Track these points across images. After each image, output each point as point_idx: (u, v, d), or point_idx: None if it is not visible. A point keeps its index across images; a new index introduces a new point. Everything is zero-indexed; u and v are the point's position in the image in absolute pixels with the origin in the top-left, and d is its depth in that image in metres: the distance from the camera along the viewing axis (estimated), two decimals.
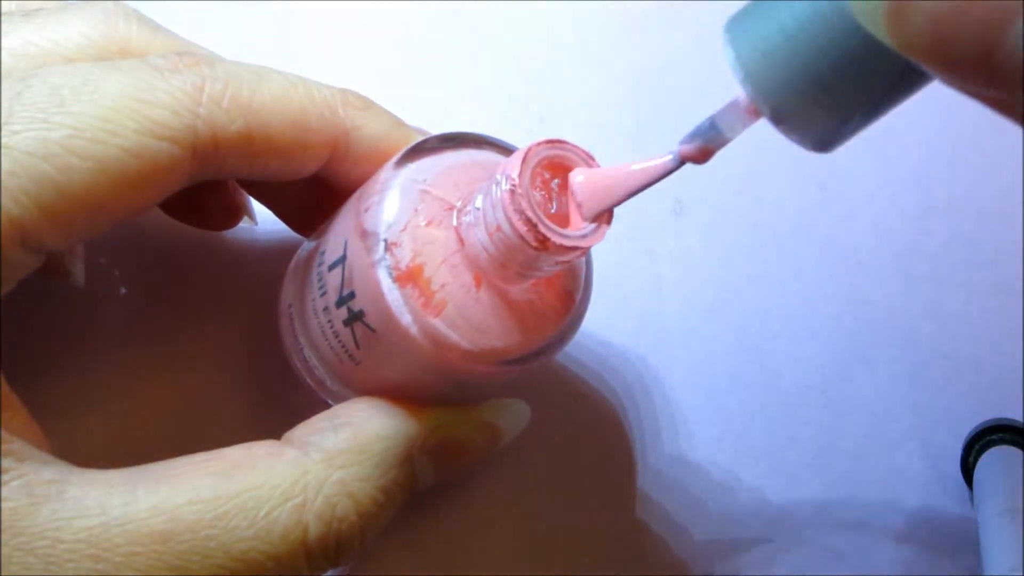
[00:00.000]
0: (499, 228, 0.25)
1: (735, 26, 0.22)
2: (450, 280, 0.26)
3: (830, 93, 0.21)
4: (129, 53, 0.28)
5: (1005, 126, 0.41)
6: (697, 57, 0.39)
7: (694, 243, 0.38)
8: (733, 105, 0.23)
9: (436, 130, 0.32)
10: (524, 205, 0.24)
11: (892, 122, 0.40)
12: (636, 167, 0.25)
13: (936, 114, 0.40)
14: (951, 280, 0.38)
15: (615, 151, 0.38)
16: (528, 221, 0.24)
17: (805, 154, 0.39)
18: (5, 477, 0.23)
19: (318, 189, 0.30)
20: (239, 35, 0.38)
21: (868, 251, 0.38)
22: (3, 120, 0.23)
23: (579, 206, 0.25)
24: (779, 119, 0.22)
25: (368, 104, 0.29)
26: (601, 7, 0.40)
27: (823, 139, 0.22)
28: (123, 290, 0.34)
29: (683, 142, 0.24)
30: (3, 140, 0.23)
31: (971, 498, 0.36)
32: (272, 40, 0.38)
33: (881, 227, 0.39)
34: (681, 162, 0.24)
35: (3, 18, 0.27)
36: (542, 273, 0.26)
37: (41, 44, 0.27)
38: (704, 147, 0.24)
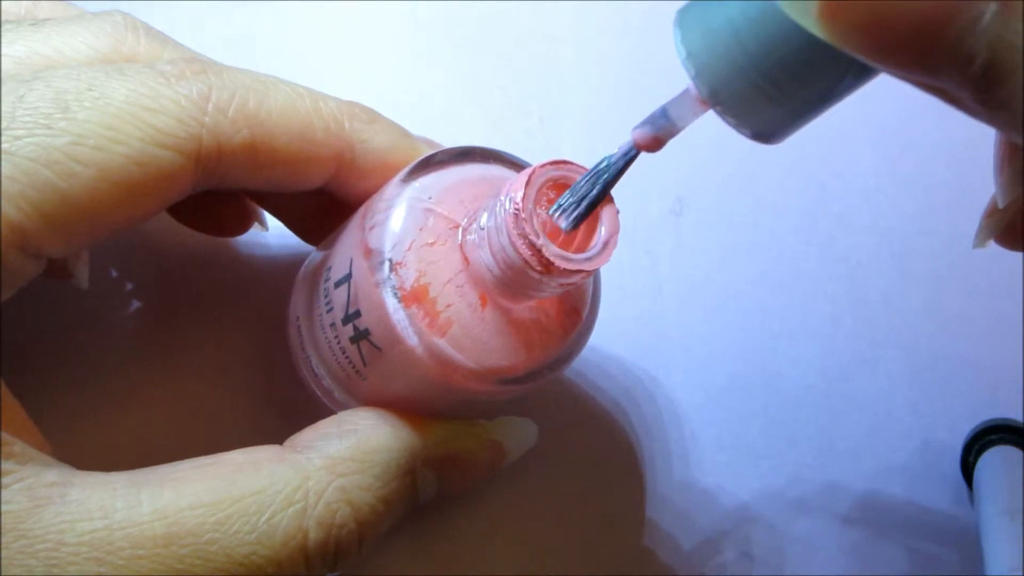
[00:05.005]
0: (503, 250, 0.24)
1: (685, 19, 0.22)
2: (455, 300, 0.26)
3: (779, 88, 0.21)
4: None
5: None
6: None
7: (694, 243, 0.38)
8: (684, 95, 0.23)
9: (438, 133, 0.32)
10: (528, 229, 0.24)
11: (892, 122, 0.40)
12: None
13: (936, 114, 0.39)
14: (951, 280, 0.38)
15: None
16: (532, 245, 0.24)
17: (805, 155, 0.39)
18: (6, 480, 0.23)
19: (325, 200, 0.30)
20: (238, 37, 0.38)
21: (868, 251, 0.39)
22: (5, 125, 0.23)
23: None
24: (728, 113, 0.22)
25: (374, 117, 0.29)
26: (601, 7, 0.40)
27: (770, 131, 0.23)
28: (129, 288, 0.34)
29: (636, 128, 0.24)
30: (4, 145, 0.23)
31: (971, 498, 0.36)
32: (271, 40, 0.38)
33: (881, 227, 0.39)
34: (635, 150, 0.24)
35: (10, 26, 0.27)
36: (547, 294, 0.26)
37: (46, 54, 0.27)
38: (656, 135, 0.24)
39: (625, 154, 0.25)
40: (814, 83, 0.21)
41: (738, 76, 0.21)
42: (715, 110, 0.22)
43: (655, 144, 0.24)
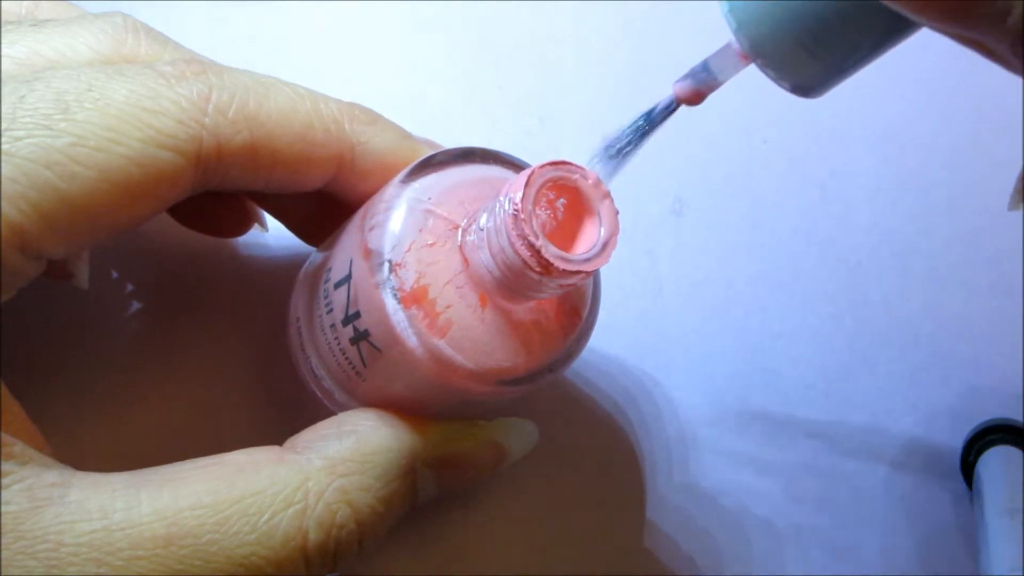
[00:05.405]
0: (502, 251, 0.24)
1: None
2: (455, 301, 0.26)
3: (819, 42, 0.22)
4: None
5: (1005, 126, 0.41)
6: (697, 57, 0.39)
7: (694, 243, 0.38)
8: (725, 50, 0.24)
9: (438, 133, 0.32)
10: (527, 230, 0.24)
11: (892, 122, 0.40)
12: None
13: (936, 114, 0.40)
14: (951, 280, 0.38)
15: None
16: (531, 246, 0.24)
17: (805, 154, 0.39)
18: (6, 480, 0.23)
19: (325, 201, 0.30)
20: (238, 37, 0.38)
21: (868, 251, 0.38)
22: (5, 126, 0.23)
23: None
24: (769, 66, 0.23)
25: (375, 118, 0.29)
26: (601, 7, 0.40)
27: (810, 85, 0.23)
28: (129, 289, 0.34)
29: (677, 82, 0.25)
30: (5, 146, 0.23)
31: (971, 498, 0.36)
32: (271, 40, 0.38)
33: (881, 227, 0.39)
34: (676, 102, 0.25)
35: (11, 26, 0.27)
36: (547, 295, 0.26)
37: (47, 55, 0.27)
38: (697, 89, 0.25)
39: (666, 108, 0.25)
40: (855, 38, 0.22)
41: (779, 30, 0.22)
42: (756, 63, 0.23)
43: (696, 97, 0.25)
